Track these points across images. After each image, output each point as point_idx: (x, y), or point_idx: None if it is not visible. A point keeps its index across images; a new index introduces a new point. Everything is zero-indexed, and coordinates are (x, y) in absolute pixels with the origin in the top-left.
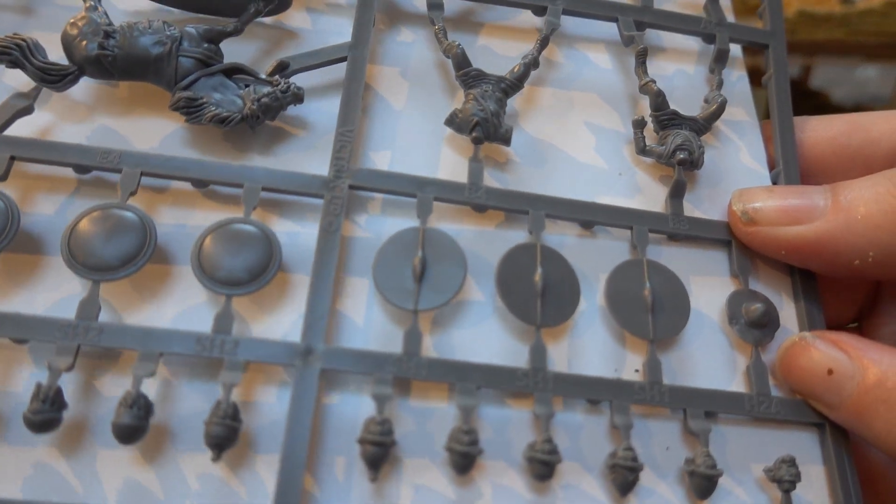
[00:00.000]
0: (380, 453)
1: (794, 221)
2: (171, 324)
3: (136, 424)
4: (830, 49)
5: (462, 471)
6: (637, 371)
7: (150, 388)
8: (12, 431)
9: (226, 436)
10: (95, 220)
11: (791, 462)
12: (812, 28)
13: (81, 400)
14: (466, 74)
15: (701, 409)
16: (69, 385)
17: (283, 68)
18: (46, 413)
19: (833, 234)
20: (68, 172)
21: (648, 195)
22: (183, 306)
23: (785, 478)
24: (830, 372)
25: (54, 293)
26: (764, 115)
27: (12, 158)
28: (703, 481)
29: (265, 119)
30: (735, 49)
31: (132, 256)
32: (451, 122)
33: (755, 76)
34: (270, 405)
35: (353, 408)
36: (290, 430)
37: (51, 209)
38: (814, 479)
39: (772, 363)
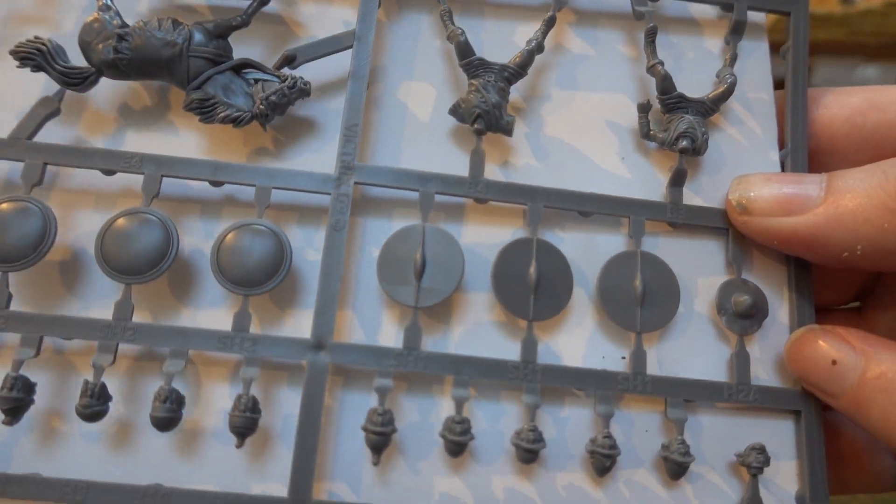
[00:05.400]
0: (381, 441)
1: (786, 213)
2: (193, 322)
3: (171, 416)
4: (830, 49)
5: (455, 455)
6: (623, 358)
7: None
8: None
9: (247, 426)
10: (122, 226)
11: (761, 449)
12: (812, 28)
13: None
14: (469, 64)
15: (681, 397)
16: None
17: (289, 61)
18: (95, 406)
19: (823, 228)
20: (104, 183)
21: (650, 180)
22: (206, 308)
23: (753, 464)
24: (834, 362)
25: (92, 295)
26: (781, 84)
27: (45, 164)
28: (675, 466)
29: (275, 115)
30: (759, 18)
31: (159, 259)
32: (455, 111)
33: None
34: (289, 398)
35: (364, 399)
36: (302, 419)
37: (95, 220)
38: (785, 465)
39: (767, 353)
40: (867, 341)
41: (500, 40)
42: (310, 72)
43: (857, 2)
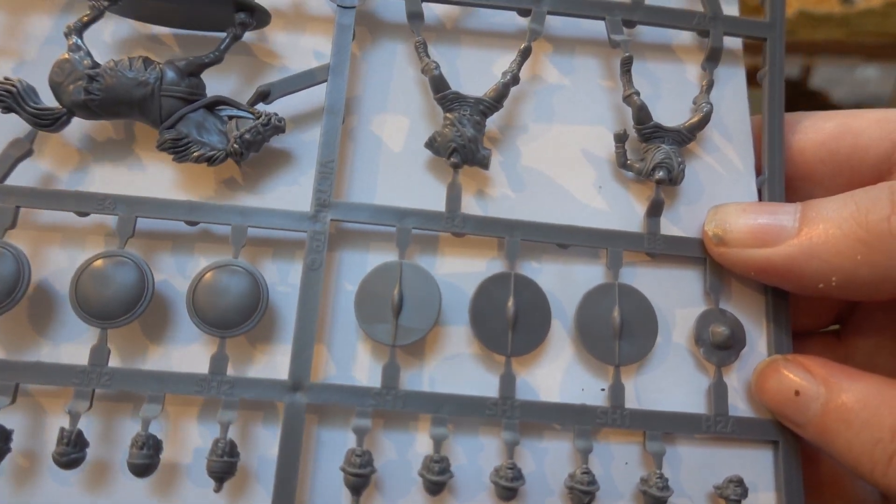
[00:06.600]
0: (360, 483)
1: (761, 244)
2: (170, 364)
3: (148, 462)
4: (830, 49)
5: (434, 494)
6: (603, 390)
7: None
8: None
9: (225, 469)
10: (96, 269)
11: (738, 482)
12: (812, 28)
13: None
14: (444, 97)
15: (660, 430)
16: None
17: (264, 97)
18: (72, 454)
19: (798, 259)
20: (73, 220)
21: (628, 210)
22: (180, 346)
23: (731, 496)
24: (797, 393)
25: (69, 340)
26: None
27: (17, 207)
28: (653, 501)
29: (250, 153)
30: (735, 44)
31: (134, 302)
32: (431, 145)
33: (753, 74)
34: (265, 436)
35: (341, 435)
36: (281, 461)
37: (63, 258)
38: (764, 495)
39: (745, 383)
40: (829, 370)
41: (476, 68)
42: (283, 102)
43: (857, 2)
